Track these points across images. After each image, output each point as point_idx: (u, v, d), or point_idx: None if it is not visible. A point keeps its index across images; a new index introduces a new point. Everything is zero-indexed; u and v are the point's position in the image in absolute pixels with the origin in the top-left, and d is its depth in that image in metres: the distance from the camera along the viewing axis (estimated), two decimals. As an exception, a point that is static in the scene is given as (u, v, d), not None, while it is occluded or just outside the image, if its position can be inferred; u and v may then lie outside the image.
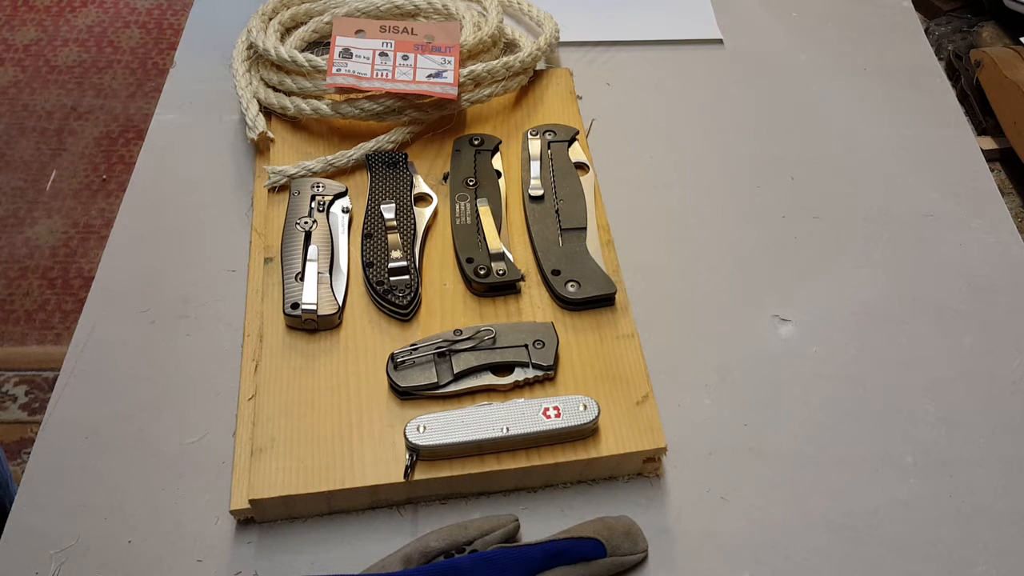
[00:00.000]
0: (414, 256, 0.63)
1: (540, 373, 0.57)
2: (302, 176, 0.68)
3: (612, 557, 0.51)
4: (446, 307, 0.62)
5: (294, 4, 0.80)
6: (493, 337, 0.58)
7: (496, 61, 0.73)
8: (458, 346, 0.57)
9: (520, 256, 0.65)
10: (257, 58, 0.76)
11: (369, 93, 0.71)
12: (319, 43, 0.80)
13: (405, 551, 0.50)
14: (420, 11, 0.79)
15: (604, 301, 0.62)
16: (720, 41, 0.86)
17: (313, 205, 0.66)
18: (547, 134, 0.72)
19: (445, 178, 0.69)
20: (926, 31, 0.94)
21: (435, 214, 0.67)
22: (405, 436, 0.53)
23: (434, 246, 0.66)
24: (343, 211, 0.66)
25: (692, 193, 0.73)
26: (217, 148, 0.74)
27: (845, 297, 0.67)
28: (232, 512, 0.53)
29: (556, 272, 0.62)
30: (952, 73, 1.00)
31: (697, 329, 0.64)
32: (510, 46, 0.80)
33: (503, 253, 0.63)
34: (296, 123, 0.73)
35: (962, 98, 0.96)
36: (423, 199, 0.68)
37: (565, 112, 0.75)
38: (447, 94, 0.70)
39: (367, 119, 0.71)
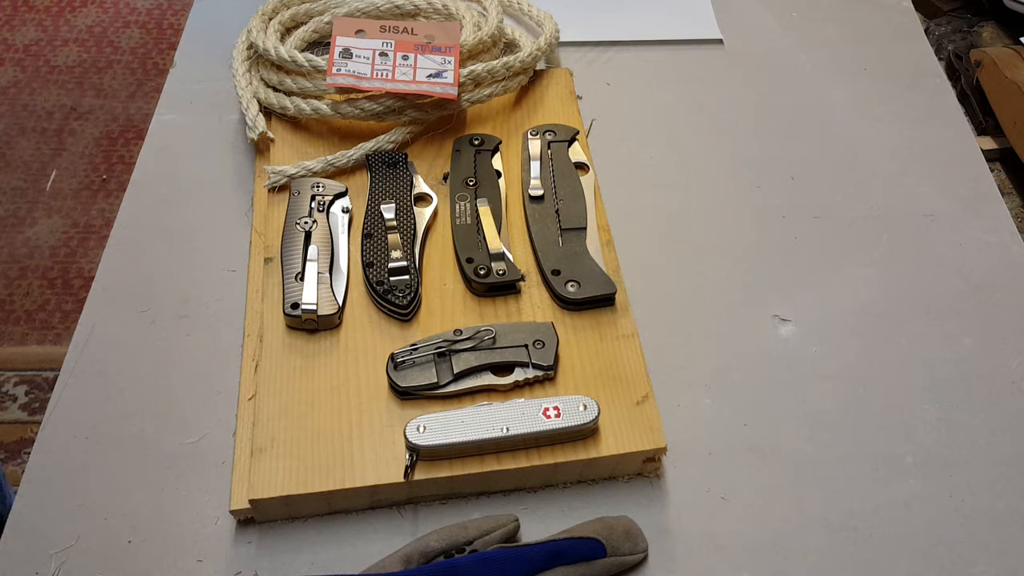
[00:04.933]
0: (414, 256, 0.63)
1: (540, 373, 0.57)
2: (302, 176, 0.68)
3: (612, 557, 0.51)
4: (446, 307, 0.62)
5: (294, 4, 0.80)
6: (493, 337, 0.58)
7: (496, 61, 0.73)
8: (458, 346, 0.57)
9: (520, 256, 0.65)
10: (257, 58, 0.76)
11: (369, 93, 0.71)
12: (319, 43, 0.80)
13: (405, 551, 0.50)
14: (420, 11, 0.79)
15: (604, 301, 0.62)
16: (720, 41, 0.86)
17: (313, 205, 0.66)
18: (547, 134, 0.72)
19: (445, 178, 0.69)
20: (926, 31, 0.94)
21: (435, 214, 0.67)
22: (405, 436, 0.53)
23: (434, 246, 0.66)
24: (343, 211, 0.66)
25: (692, 193, 0.73)
26: (217, 148, 0.74)
27: (845, 297, 0.67)
28: (232, 512, 0.53)
29: (556, 272, 0.62)
30: (952, 73, 1.00)
31: (697, 329, 0.64)
32: (510, 46, 0.80)
33: (503, 253, 0.63)
34: (296, 123, 0.73)
35: (962, 98, 0.96)
36: (423, 199, 0.68)
37: (565, 112, 0.75)
38: (447, 94, 0.70)
39: (367, 119, 0.71)
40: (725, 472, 0.57)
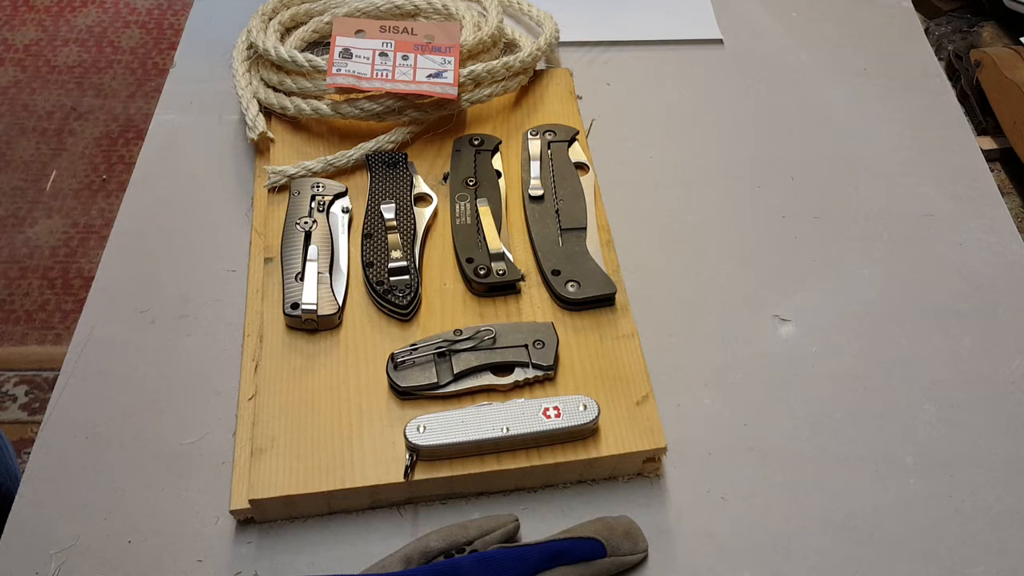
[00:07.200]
0: (414, 256, 0.63)
1: (540, 373, 0.57)
2: (302, 176, 0.68)
3: (612, 557, 0.51)
4: (446, 307, 0.62)
5: (294, 4, 0.80)
6: (493, 337, 0.58)
7: (496, 61, 0.73)
8: (458, 346, 0.57)
9: (520, 256, 0.65)
10: (257, 58, 0.76)
11: (369, 93, 0.71)
12: (319, 43, 0.80)
13: (405, 551, 0.50)
14: (420, 11, 0.79)
15: (604, 301, 0.62)
16: (720, 41, 0.86)
17: (313, 205, 0.66)
18: (547, 134, 0.72)
19: (445, 178, 0.69)
20: (926, 31, 0.94)
21: (435, 214, 0.67)
22: (405, 436, 0.53)
23: (434, 246, 0.66)
24: (343, 211, 0.66)
25: (692, 193, 0.73)
26: (217, 148, 0.74)
27: (845, 297, 0.67)
28: (232, 512, 0.53)
29: (556, 272, 0.62)
30: (952, 73, 1.00)
31: (697, 329, 0.64)
32: (510, 46, 0.80)
33: (503, 253, 0.63)
34: (296, 123, 0.73)
35: (962, 98, 0.96)
36: (423, 199, 0.68)
37: (565, 112, 0.75)
38: (447, 94, 0.70)
39: (367, 119, 0.71)
40: (725, 472, 0.57)
